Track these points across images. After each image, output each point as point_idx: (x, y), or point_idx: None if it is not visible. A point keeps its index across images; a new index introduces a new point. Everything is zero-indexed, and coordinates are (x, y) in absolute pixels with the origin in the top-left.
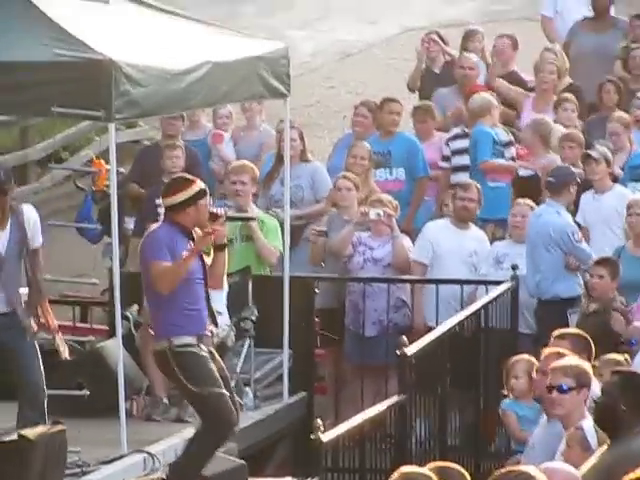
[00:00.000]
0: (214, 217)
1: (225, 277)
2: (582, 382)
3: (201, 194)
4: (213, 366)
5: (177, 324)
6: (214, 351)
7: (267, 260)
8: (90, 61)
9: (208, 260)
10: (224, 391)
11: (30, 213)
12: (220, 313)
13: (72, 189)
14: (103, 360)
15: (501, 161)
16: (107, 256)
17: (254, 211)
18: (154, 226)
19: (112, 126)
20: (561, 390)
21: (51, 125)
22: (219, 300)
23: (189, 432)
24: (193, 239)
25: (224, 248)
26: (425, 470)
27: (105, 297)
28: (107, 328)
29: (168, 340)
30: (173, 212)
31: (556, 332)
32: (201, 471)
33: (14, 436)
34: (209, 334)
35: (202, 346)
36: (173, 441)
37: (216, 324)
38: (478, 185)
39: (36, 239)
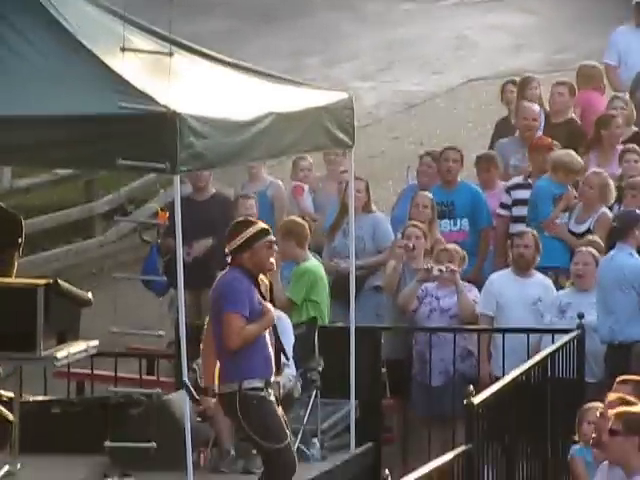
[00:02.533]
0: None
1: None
2: (632, 428)
3: (257, 236)
4: (280, 412)
5: (248, 367)
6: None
7: None
8: (154, 114)
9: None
10: (289, 441)
11: None
12: (287, 364)
13: (137, 242)
14: (170, 412)
15: (564, 219)
16: (173, 308)
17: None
18: (227, 273)
19: (177, 178)
20: (610, 432)
21: (116, 178)
22: (282, 320)
23: None
24: (258, 285)
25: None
26: None
27: (171, 349)
28: (174, 380)
29: (238, 383)
30: (234, 257)
31: (619, 378)
32: None
33: None
34: (276, 379)
35: (270, 390)
36: None
37: (286, 357)
38: (535, 232)
39: None
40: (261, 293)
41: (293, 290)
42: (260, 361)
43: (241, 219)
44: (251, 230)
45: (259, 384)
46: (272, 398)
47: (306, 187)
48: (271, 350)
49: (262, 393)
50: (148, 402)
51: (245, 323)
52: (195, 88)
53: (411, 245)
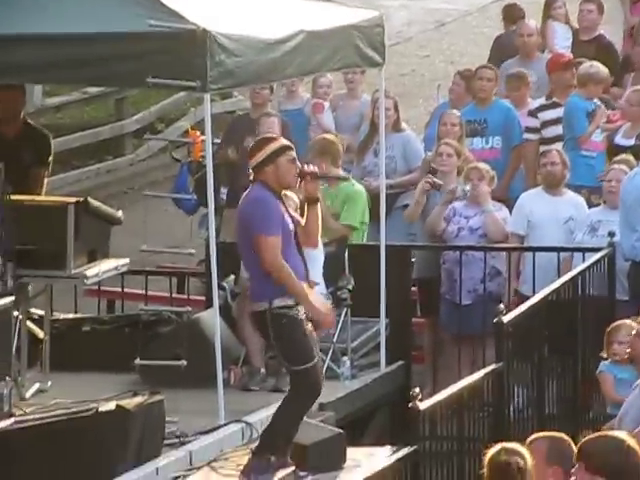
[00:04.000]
0: (302, 175)
1: (320, 238)
2: None
3: (280, 151)
4: (309, 330)
5: (278, 285)
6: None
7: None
8: (184, 31)
9: (302, 219)
10: (317, 361)
11: None
12: (317, 283)
13: (168, 160)
14: (200, 330)
15: (598, 137)
16: (203, 227)
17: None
18: (252, 190)
19: (207, 97)
20: None
21: (146, 97)
22: (317, 260)
23: None
24: (283, 199)
25: (316, 203)
26: (514, 445)
27: (202, 268)
28: (204, 299)
29: (269, 301)
30: (257, 173)
31: None
32: (289, 439)
33: (112, 406)
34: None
35: (299, 308)
36: (271, 411)
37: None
38: (559, 149)
39: None
40: (287, 211)
41: (350, 215)
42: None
43: (263, 136)
44: (273, 145)
45: (290, 302)
46: (302, 316)
47: (326, 104)
48: (302, 264)
49: (292, 312)
50: (178, 320)
51: (280, 243)
52: (225, 6)
53: (433, 182)
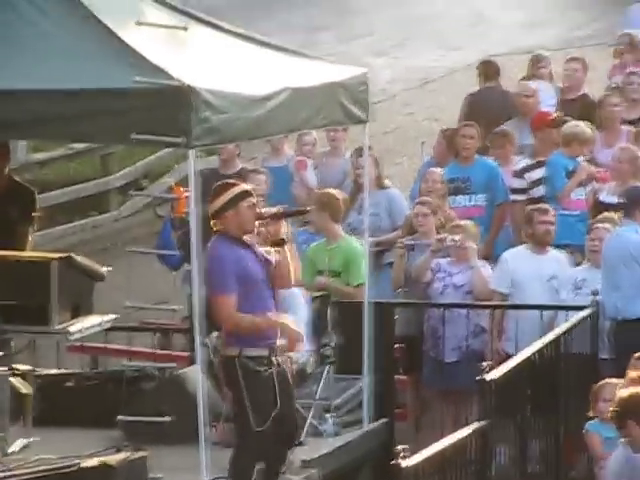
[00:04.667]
0: (262, 217)
1: (294, 275)
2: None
3: (241, 196)
4: (274, 390)
5: (248, 336)
6: (286, 368)
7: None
8: (169, 88)
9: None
10: (263, 430)
11: None
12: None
13: (152, 216)
14: (184, 387)
15: (581, 195)
16: (187, 282)
17: (341, 236)
18: (210, 245)
19: (192, 153)
20: None
21: (131, 153)
22: (294, 297)
23: None
24: (249, 246)
25: (283, 244)
26: None
27: (186, 324)
28: (188, 355)
29: (239, 349)
30: (217, 220)
31: (636, 354)
32: None
33: (95, 462)
34: (289, 354)
35: (273, 359)
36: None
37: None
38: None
39: None
40: (255, 254)
41: (358, 274)
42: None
43: (223, 181)
44: (234, 190)
45: (262, 352)
46: (271, 371)
47: (310, 162)
48: (273, 309)
49: (260, 368)
50: (162, 376)
51: (234, 301)
52: (210, 62)
53: (443, 237)
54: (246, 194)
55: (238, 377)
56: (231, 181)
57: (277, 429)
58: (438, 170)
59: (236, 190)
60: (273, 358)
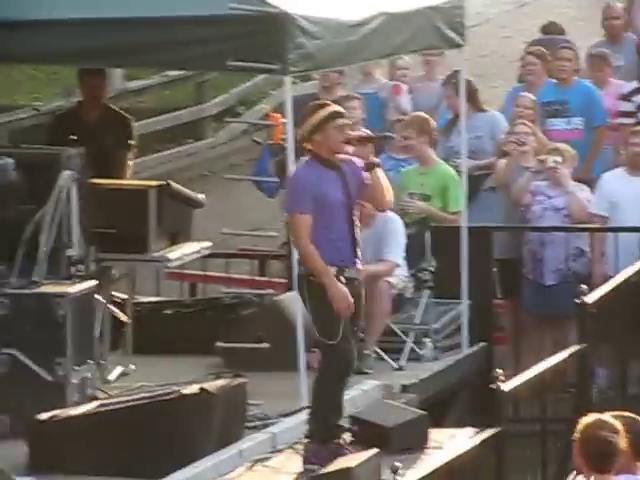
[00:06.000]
0: (349, 141)
1: (388, 197)
2: None
3: (330, 117)
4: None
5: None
6: (360, 290)
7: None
8: (264, 14)
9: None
10: (339, 342)
11: None
12: (398, 265)
13: (248, 143)
14: (282, 313)
15: None
16: (284, 209)
17: (435, 161)
18: (298, 166)
19: (287, 79)
20: None
21: (227, 80)
22: (396, 241)
23: (369, 384)
24: (339, 168)
25: (373, 167)
26: (612, 420)
27: (283, 250)
28: (285, 281)
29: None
30: (307, 142)
31: None
32: (326, 420)
33: (195, 389)
34: (357, 268)
35: (341, 278)
36: (352, 393)
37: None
38: None
39: None
40: (343, 180)
41: (453, 201)
42: (329, 248)
43: (313, 103)
44: (322, 113)
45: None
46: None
47: (404, 87)
48: (349, 240)
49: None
50: (260, 303)
51: (309, 221)
52: None
53: (521, 141)
54: (335, 114)
55: (305, 295)
56: (321, 102)
57: None
58: (529, 95)
59: (324, 111)
60: (342, 277)
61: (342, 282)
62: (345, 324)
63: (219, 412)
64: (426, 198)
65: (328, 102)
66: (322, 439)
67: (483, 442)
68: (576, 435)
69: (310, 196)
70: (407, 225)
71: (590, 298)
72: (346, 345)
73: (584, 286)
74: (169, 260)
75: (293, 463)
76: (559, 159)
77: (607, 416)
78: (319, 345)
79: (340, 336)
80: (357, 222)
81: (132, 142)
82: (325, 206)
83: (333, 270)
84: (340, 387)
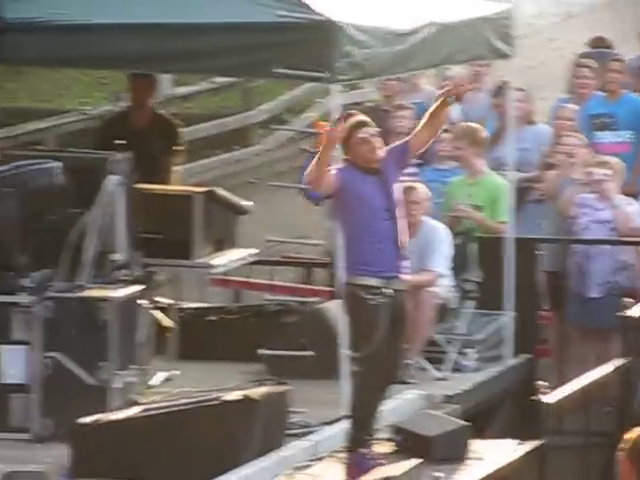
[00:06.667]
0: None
1: (447, 231)
2: None
3: (355, 127)
4: (380, 321)
5: (360, 262)
6: (401, 304)
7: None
8: (312, 22)
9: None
10: (374, 351)
11: None
12: (442, 275)
13: (295, 151)
14: (326, 321)
15: None
16: (329, 217)
17: (484, 172)
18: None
19: (335, 87)
20: None
21: (274, 87)
22: (442, 251)
23: (412, 393)
24: (379, 173)
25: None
26: None
27: (328, 258)
28: (330, 289)
29: (353, 277)
30: (344, 150)
31: None
32: (366, 429)
33: (238, 395)
34: (401, 279)
35: (387, 291)
36: (394, 402)
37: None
38: None
39: None
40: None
41: (501, 211)
42: (371, 254)
43: (345, 112)
44: (349, 121)
45: (373, 282)
46: (380, 300)
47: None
48: (392, 243)
49: (366, 295)
50: (304, 310)
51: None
52: None
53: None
54: (359, 125)
55: (346, 304)
56: (352, 112)
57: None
58: (570, 106)
59: (350, 122)
60: (386, 290)
61: (388, 295)
62: (385, 335)
63: (261, 419)
64: (476, 209)
65: (355, 113)
66: (362, 448)
67: (525, 454)
68: (626, 447)
69: (346, 185)
70: (454, 235)
71: (635, 312)
72: (387, 355)
73: (629, 299)
74: (213, 266)
75: (334, 471)
76: (607, 172)
77: None
78: (357, 356)
79: (375, 348)
80: (402, 230)
81: (179, 148)
82: (365, 210)
83: (378, 282)
84: (380, 397)
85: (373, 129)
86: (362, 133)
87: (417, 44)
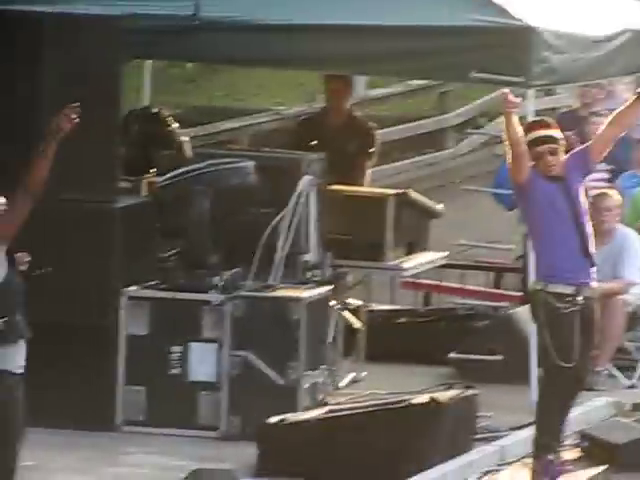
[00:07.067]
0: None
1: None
2: None
3: (534, 142)
4: (575, 331)
5: (551, 268)
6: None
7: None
8: (509, 27)
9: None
10: (569, 365)
11: None
12: (635, 283)
13: (489, 155)
14: (516, 326)
15: None
16: (522, 222)
17: None
18: None
19: (530, 92)
20: None
21: (469, 91)
22: (627, 238)
23: (600, 400)
24: (561, 180)
25: None
26: None
27: (519, 263)
28: (521, 294)
29: (544, 284)
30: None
31: None
32: (554, 435)
33: (426, 399)
34: (592, 287)
35: (578, 299)
36: (582, 409)
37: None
38: None
39: None
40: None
41: None
42: (563, 260)
43: (530, 120)
44: (531, 135)
45: (567, 290)
46: (572, 309)
47: None
48: (578, 248)
49: (559, 304)
50: (494, 315)
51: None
52: (549, 3)
53: None
54: (538, 141)
55: (539, 312)
56: (537, 121)
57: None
58: None
59: (532, 135)
60: (578, 298)
61: (579, 303)
62: (581, 343)
63: (448, 422)
64: None
65: (541, 125)
66: (548, 454)
67: None
68: None
69: (534, 183)
70: None
71: None
72: (579, 364)
73: None
74: (404, 269)
75: (521, 477)
76: None
77: None
78: (549, 365)
79: (576, 359)
80: (591, 236)
81: (373, 150)
82: (551, 214)
83: (571, 290)
84: (569, 404)
85: (553, 143)
86: (540, 148)
87: (613, 51)
